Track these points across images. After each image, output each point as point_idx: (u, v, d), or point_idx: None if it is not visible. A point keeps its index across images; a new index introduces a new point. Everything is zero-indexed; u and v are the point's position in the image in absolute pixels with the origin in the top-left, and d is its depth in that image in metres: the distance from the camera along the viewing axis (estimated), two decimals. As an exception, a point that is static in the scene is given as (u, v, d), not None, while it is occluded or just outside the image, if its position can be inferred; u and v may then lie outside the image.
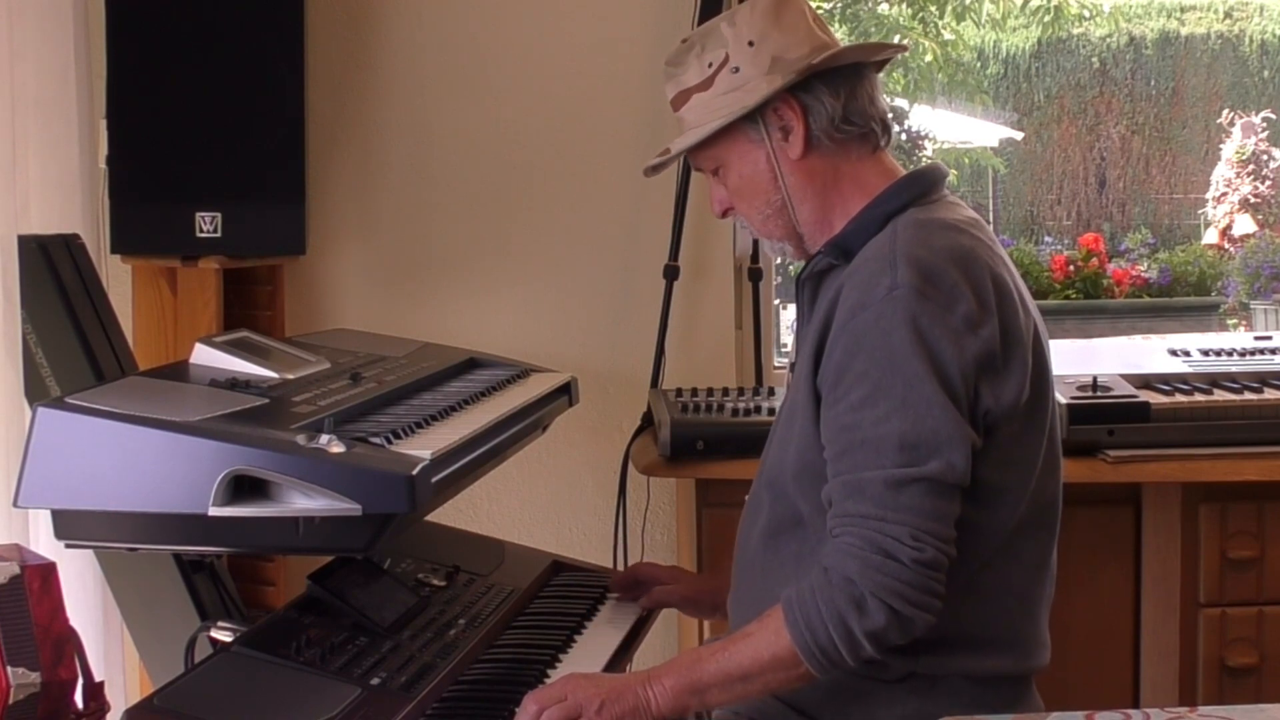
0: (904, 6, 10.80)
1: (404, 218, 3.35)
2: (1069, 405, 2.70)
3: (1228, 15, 16.37)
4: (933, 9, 10.70)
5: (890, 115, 2.05)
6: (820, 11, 2.03)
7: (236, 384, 2.02)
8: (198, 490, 1.70)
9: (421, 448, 1.84)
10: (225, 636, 1.99)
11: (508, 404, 2.27)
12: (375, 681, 1.86)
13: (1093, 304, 11.73)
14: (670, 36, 3.07)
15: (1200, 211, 14.52)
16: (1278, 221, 13.23)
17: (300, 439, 1.75)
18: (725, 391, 2.99)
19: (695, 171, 2.10)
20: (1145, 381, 2.91)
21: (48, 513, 1.85)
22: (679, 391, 2.99)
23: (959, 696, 1.89)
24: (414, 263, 3.36)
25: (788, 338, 5.37)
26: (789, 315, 6.24)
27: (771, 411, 2.77)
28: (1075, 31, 15.42)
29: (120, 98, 2.88)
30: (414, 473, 1.74)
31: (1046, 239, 15.37)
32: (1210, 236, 13.53)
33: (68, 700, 1.73)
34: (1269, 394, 2.84)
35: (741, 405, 2.84)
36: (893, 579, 1.75)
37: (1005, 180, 16.04)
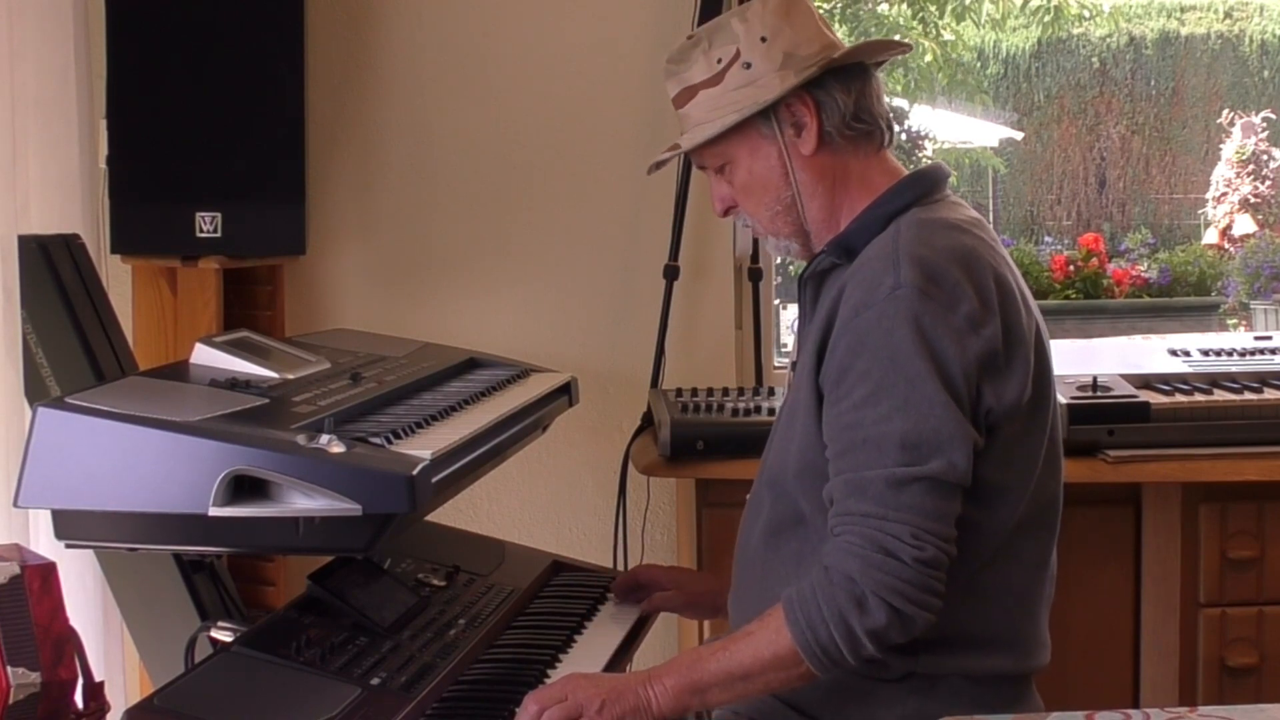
0: (904, 6, 10.80)
1: (404, 218, 3.35)
2: (1069, 405, 2.70)
3: (1228, 15, 16.36)
4: (933, 9, 10.69)
5: (891, 115, 2.06)
6: (820, 11, 2.03)
7: (236, 384, 2.01)
8: (198, 490, 1.70)
9: (421, 448, 1.84)
10: (225, 636, 1.99)
11: (508, 404, 2.27)
12: (375, 681, 1.86)
13: (1093, 304, 11.72)
14: (670, 36, 3.09)
15: (1200, 211, 14.51)
16: (1278, 221, 13.23)
17: (300, 439, 1.75)
18: (725, 391, 2.99)
19: (698, 170, 2.09)
20: (1145, 381, 2.91)
21: (48, 513, 1.85)
22: (679, 391, 3.00)
23: (959, 696, 1.89)
24: (414, 263, 3.36)
25: (788, 338, 5.38)
26: (789, 315, 6.24)
27: (771, 411, 2.77)
28: (1075, 31, 15.41)
29: (120, 98, 2.88)
30: (414, 473, 1.74)
31: (1046, 239, 15.36)
32: (1210, 236, 13.52)
33: (68, 700, 1.73)
34: (1269, 394, 2.84)
35: (741, 405, 2.84)
36: (893, 577, 1.75)
37: (1005, 180, 16.03)
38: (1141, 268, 12.57)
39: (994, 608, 1.92)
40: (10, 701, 1.65)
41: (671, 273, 3.23)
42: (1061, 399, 2.65)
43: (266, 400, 1.95)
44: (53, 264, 2.37)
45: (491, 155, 3.33)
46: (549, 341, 3.27)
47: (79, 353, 2.33)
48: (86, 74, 2.69)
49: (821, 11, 2.03)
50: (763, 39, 1.95)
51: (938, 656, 1.89)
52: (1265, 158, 13.47)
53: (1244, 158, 13.48)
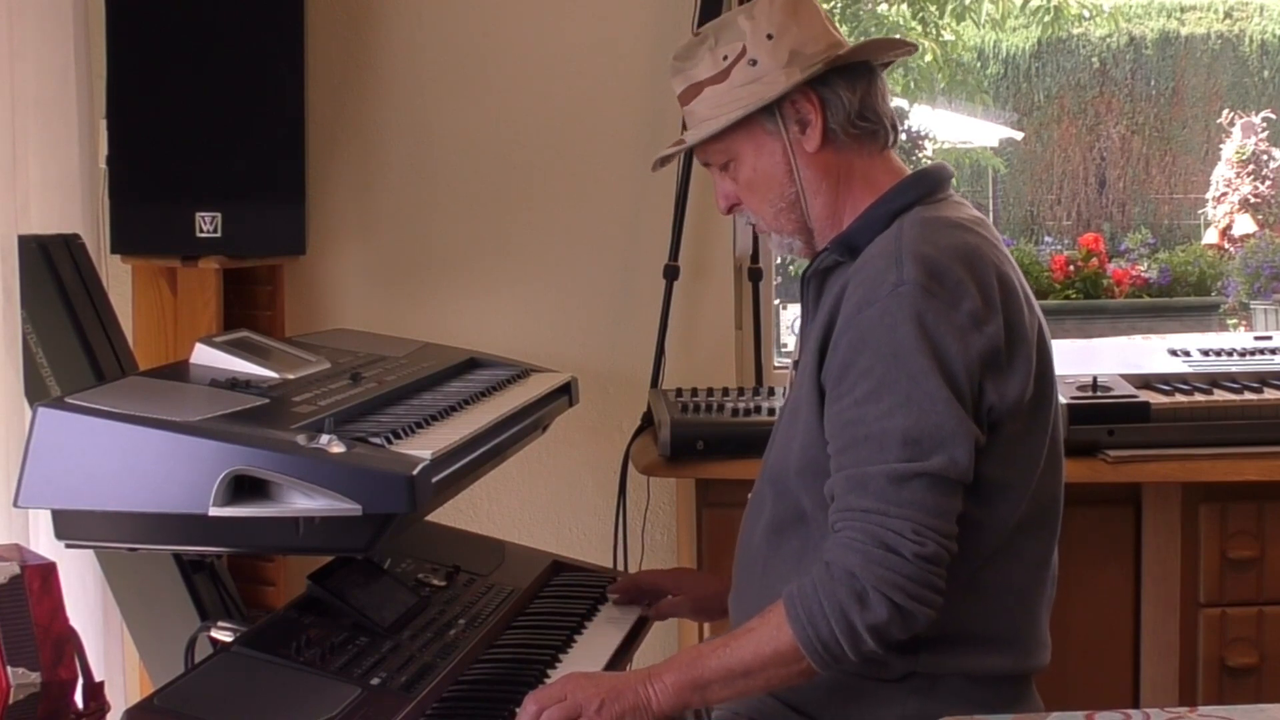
0: (904, 6, 10.79)
1: (404, 218, 3.35)
2: (1069, 405, 2.70)
3: (1228, 15, 16.36)
4: (932, 9, 10.69)
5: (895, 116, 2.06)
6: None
7: (236, 384, 2.01)
8: (198, 490, 1.70)
9: (421, 448, 1.84)
10: (225, 636, 1.98)
11: (508, 404, 2.27)
12: (375, 681, 1.86)
13: (1093, 304, 11.71)
14: (670, 36, 3.09)
15: (1200, 211, 14.51)
16: (1278, 221, 13.22)
17: (300, 439, 1.75)
18: (725, 391, 2.99)
19: (703, 167, 2.09)
20: (1145, 381, 2.91)
21: (48, 513, 1.85)
22: (679, 391, 3.00)
23: (959, 696, 1.89)
24: (414, 263, 3.36)
25: (788, 338, 5.38)
26: (789, 315, 6.25)
27: (771, 411, 2.77)
28: (1075, 31, 15.40)
29: (120, 98, 2.88)
30: (414, 473, 1.74)
31: (1046, 239, 15.35)
32: (1210, 236, 13.51)
33: (68, 700, 1.73)
34: (1269, 394, 2.84)
35: (741, 405, 2.84)
36: (894, 573, 1.75)
37: (1005, 180, 16.03)
38: (1141, 268, 12.56)
39: (995, 606, 1.92)
40: (10, 701, 1.65)
41: (671, 273, 3.23)
42: (1062, 399, 2.64)
43: (266, 400, 1.95)
44: (53, 264, 2.37)
45: (491, 155, 3.33)
46: (549, 341, 3.27)
47: (79, 353, 2.33)
48: (86, 74, 2.69)
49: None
50: (769, 36, 1.95)
51: (938, 655, 1.89)
52: (1265, 158, 13.46)
53: (1244, 158, 13.48)
